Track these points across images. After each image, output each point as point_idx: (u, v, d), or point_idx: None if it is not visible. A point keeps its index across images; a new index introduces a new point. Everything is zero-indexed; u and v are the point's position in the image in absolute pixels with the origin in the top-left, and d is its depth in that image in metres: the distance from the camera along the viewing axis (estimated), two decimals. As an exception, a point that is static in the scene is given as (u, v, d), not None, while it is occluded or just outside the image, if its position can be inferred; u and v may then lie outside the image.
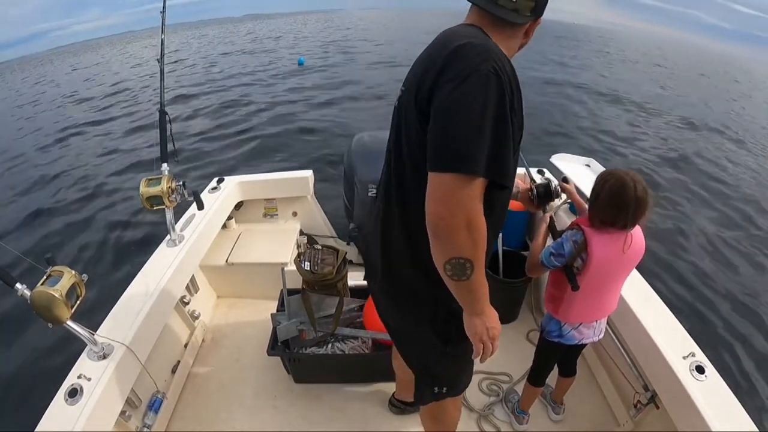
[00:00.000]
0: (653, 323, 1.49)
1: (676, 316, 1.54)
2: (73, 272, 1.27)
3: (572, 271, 1.30)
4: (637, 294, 1.62)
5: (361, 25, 34.75)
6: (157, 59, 1.99)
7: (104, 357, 1.40)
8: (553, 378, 1.71)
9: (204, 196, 2.34)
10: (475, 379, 1.94)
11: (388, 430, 1.78)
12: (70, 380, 1.33)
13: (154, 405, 1.72)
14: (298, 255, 1.96)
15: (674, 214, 4.74)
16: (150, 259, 1.90)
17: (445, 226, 0.78)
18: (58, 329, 1.24)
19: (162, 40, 1.96)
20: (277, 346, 1.86)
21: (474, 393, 1.91)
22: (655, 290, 1.66)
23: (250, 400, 1.93)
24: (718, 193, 5.50)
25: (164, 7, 2.08)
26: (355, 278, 1.97)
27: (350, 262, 2.22)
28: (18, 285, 1.20)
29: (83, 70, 20.57)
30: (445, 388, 1.19)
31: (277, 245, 2.49)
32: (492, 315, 0.93)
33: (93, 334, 1.39)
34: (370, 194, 2.13)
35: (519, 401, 1.79)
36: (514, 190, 1.37)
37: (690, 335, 1.47)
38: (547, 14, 0.93)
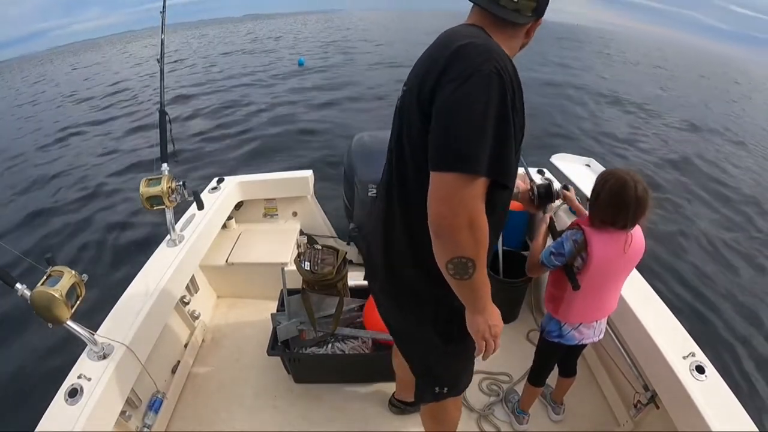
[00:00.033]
0: (653, 323, 1.49)
1: (677, 317, 1.54)
2: (73, 272, 1.27)
3: (572, 270, 1.30)
4: (637, 294, 1.62)
5: (361, 26, 34.75)
6: (157, 59, 1.99)
7: (104, 357, 1.40)
8: (553, 378, 1.71)
9: (204, 196, 2.34)
10: (476, 379, 1.94)
11: (388, 430, 1.78)
12: (70, 380, 1.33)
13: (154, 405, 1.72)
14: (298, 255, 1.96)
15: (675, 216, 4.74)
16: (150, 259, 1.90)
17: (448, 225, 0.78)
18: (58, 329, 1.24)
19: (162, 40, 1.96)
20: (277, 346, 1.86)
21: (474, 393, 1.91)
22: (655, 290, 1.66)
23: (250, 400, 1.93)
24: (718, 195, 5.50)
25: (164, 7, 2.08)
26: (355, 278, 1.97)
27: (350, 262, 2.22)
28: (18, 285, 1.20)
29: (83, 70, 20.59)
30: (446, 388, 1.19)
31: (277, 245, 2.49)
32: (494, 312, 0.93)
33: (93, 334, 1.39)
34: (370, 194, 2.13)
35: (519, 401, 1.79)
36: (515, 190, 1.37)
37: (690, 335, 1.47)
38: (548, 15, 0.93)
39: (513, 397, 1.86)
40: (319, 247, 2.02)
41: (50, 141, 8.02)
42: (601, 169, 2.15)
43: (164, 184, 1.74)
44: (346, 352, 1.89)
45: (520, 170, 1.58)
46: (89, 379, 1.32)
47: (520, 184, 1.41)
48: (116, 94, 11.79)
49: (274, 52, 18.11)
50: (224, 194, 2.42)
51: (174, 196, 1.79)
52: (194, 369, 2.08)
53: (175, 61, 16.59)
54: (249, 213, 2.73)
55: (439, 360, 1.14)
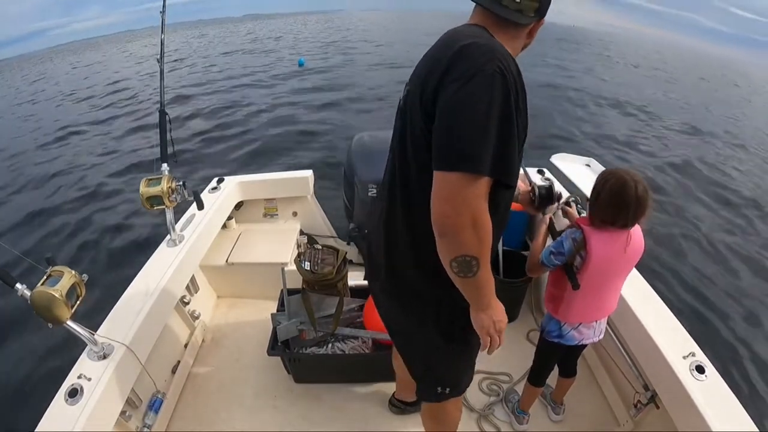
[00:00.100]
0: (653, 323, 1.49)
1: (677, 317, 1.54)
2: (73, 272, 1.27)
3: (572, 269, 1.30)
4: (637, 294, 1.62)
5: (361, 26, 34.75)
6: (157, 59, 1.99)
7: (104, 357, 1.40)
8: (553, 378, 1.71)
9: (204, 196, 2.34)
10: (476, 379, 1.94)
11: (388, 430, 1.78)
12: (70, 380, 1.33)
13: (154, 405, 1.72)
14: (298, 255, 1.96)
15: (675, 218, 4.75)
16: (150, 259, 1.90)
17: (451, 224, 0.79)
18: (58, 329, 1.24)
19: (162, 40, 1.96)
20: (277, 346, 1.86)
21: (474, 393, 1.91)
22: (655, 291, 1.66)
23: (250, 400, 1.93)
24: (719, 197, 5.51)
25: (164, 7, 2.08)
26: (355, 278, 1.97)
27: (350, 262, 2.22)
28: (18, 285, 1.20)
29: (83, 69, 20.59)
30: (448, 389, 1.19)
31: (277, 245, 2.49)
32: (498, 308, 0.94)
33: (93, 334, 1.39)
34: (370, 194, 2.13)
35: (519, 401, 1.79)
36: (515, 191, 1.37)
37: (690, 335, 1.47)
38: (548, 16, 0.93)
39: (513, 397, 1.86)
40: (319, 247, 2.02)
41: (50, 140, 8.03)
42: (601, 169, 2.15)
43: (164, 184, 1.74)
44: (346, 352, 1.89)
45: (520, 171, 1.57)
46: (89, 379, 1.32)
47: (521, 185, 1.41)
48: (116, 93, 11.80)
49: (275, 52, 18.11)
50: (224, 194, 2.42)
51: (174, 196, 1.79)
52: (194, 369, 2.08)
53: (175, 61, 16.61)
54: (249, 213, 2.73)
55: (440, 360, 1.14)
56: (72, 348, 1.49)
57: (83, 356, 1.40)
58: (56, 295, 1.18)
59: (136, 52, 25.54)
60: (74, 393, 1.28)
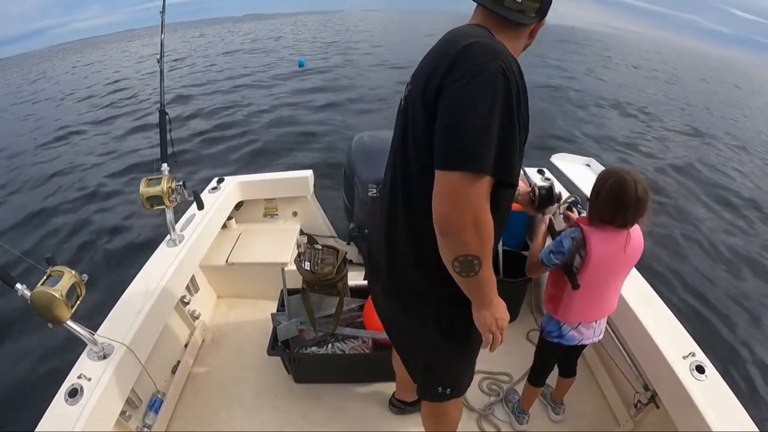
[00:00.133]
0: (653, 323, 1.49)
1: (677, 317, 1.54)
2: (73, 272, 1.26)
3: (572, 269, 1.30)
4: (637, 294, 1.62)
5: (362, 27, 34.77)
6: (157, 59, 1.99)
7: (104, 357, 1.40)
8: (553, 378, 1.71)
9: (204, 196, 2.34)
10: (476, 379, 1.93)
11: (388, 430, 1.78)
12: (70, 380, 1.33)
13: (155, 405, 1.71)
14: (298, 255, 1.96)
15: (675, 219, 4.75)
16: (150, 259, 1.90)
17: (453, 224, 0.79)
18: (58, 329, 1.24)
19: (162, 40, 1.96)
20: (277, 346, 1.86)
21: (474, 393, 1.91)
22: (656, 291, 1.66)
23: (250, 400, 1.93)
24: (719, 198, 5.51)
25: (164, 7, 2.08)
26: (355, 278, 1.97)
27: (350, 261, 2.22)
28: (18, 285, 1.20)
29: (83, 68, 20.60)
30: (448, 389, 1.19)
31: (277, 245, 2.49)
32: (500, 305, 0.94)
33: (93, 334, 1.39)
34: (370, 194, 2.13)
35: (519, 401, 1.79)
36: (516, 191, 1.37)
37: (690, 335, 1.47)
38: (549, 17, 0.93)
39: (513, 397, 1.86)
40: (319, 247, 2.02)
41: (50, 139, 8.03)
42: (601, 168, 2.15)
43: (164, 184, 1.74)
44: (346, 352, 1.89)
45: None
46: (89, 379, 1.32)
47: (521, 185, 1.41)
48: (116, 92, 11.79)
49: (275, 53, 18.12)
50: (224, 194, 2.42)
51: (174, 196, 1.79)
52: (194, 369, 2.08)
53: (175, 60, 16.60)
54: (249, 213, 2.73)
55: (440, 360, 1.14)
56: (72, 348, 1.49)
57: (83, 356, 1.40)
58: (56, 295, 1.18)
59: (137, 52, 25.55)
60: (74, 393, 1.28)
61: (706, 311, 3.30)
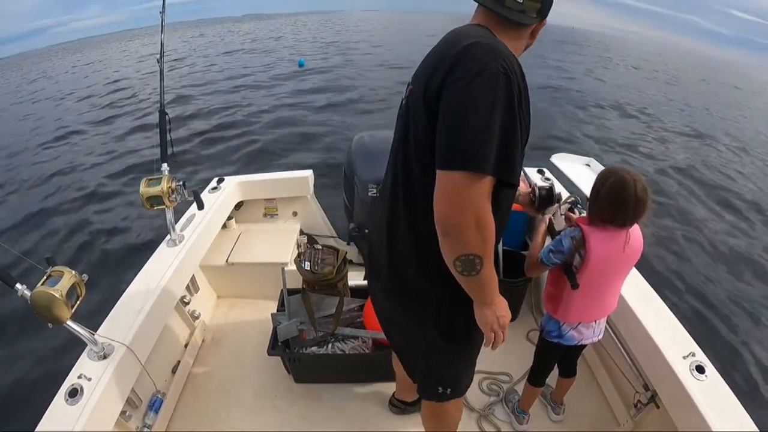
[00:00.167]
0: (653, 323, 1.49)
1: (677, 317, 1.54)
2: (73, 272, 1.26)
3: (571, 269, 1.30)
4: (637, 294, 1.62)
5: (362, 27, 34.79)
6: (157, 59, 1.99)
7: (104, 357, 1.40)
8: (553, 378, 1.70)
9: (204, 196, 2.34)
10: (476, 379, 1.92)
11: (388, 430, 1.78)
12: (70, 380, 1.33)
13: (155, 405, 1.71)
14: (298, 255, 1.96)
15: (676, 219, 4.75)
16: (150, 259, 1.90)
17: (455, 224, 0.79)
18: (58, 329, 1.24)
19: (161, 40, 1.96)
20: (277, 345, 1.86)
21: (474, 393, 1.91)
22: (657, 292, 1.66)
23: (250, 400, 1.93)
24: (719, 199, 5.51)
25: (163, 7, 2.08)
26: (355, 278, 1.97)
27: (350, 261, 2.22)
28: (18, 285, 1.19)
29: (83, 68, 20.61)
30: (449, 389, 1.19)
31: (277, 245, 2.49)
32: (501, 304, 0.95)
33: (93, 334, 1.39)
34: (370, 194, 2.13)
35: (519, 401, 1.79)
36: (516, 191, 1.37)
37: (690, 335, 1.47)
38: (550, 17, 0.93)
39: (513, 397, 1.86)
40: (319, 247, 2.02)
41: (50, 139, 8.02)
42: (601, 168, 2.15)
43: (164, 184, 1.74)
44: (346, 352, 1.88)
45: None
46: (89, 379, 1.32)
47: (521, 185, 1.41)
48: (116, 92, 11.79)
49: (275, 53, 18.12)
50: (224, 194, 2.42)
51: (174, 196, 1.79)
52: (194, 369, 2.08)
53: (175, 60, 16.60)
54: (249, 213, 2.73)
55: (440, 360, 1.14)
56: (72, 348, 1.49)
57: (83, 356, 1.40)
58: (56, 295, 1.18)
59: (137, 51, 25.56)
60: (74, 393, 1.28)
61: (706, 311, 3.30)
